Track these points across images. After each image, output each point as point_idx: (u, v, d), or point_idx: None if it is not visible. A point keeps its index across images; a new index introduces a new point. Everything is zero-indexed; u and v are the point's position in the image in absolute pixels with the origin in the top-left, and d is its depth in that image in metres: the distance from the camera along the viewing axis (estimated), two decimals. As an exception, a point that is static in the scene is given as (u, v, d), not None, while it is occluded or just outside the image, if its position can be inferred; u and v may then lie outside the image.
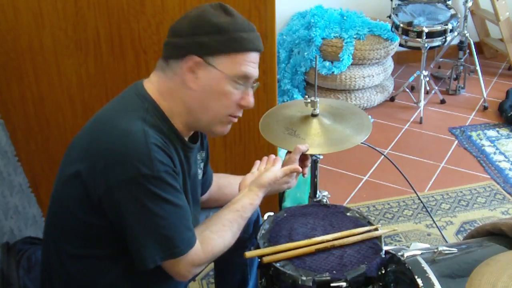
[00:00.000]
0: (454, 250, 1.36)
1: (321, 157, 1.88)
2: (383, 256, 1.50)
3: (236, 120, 1.46)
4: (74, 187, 1.35)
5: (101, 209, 1.33)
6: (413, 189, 2.17)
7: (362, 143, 1.76)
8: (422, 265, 1.29)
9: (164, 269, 1.39)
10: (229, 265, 1.82)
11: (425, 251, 1.36)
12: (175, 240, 1.34)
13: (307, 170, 1.82)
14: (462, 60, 3.81)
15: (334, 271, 1.45)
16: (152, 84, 1.42)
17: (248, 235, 1.77)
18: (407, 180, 2.13)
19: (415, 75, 3.65)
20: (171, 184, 1.33)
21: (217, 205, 1.76)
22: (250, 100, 1.43)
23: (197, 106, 1.39)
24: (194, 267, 1.41)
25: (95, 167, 1.31)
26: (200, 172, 1.64)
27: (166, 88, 1.40)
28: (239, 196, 1.56)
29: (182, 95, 1.39)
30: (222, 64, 1.36)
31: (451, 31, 3.39)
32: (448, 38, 3.43)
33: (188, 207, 1.42)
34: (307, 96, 1.82)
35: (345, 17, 3.69)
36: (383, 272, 1.45)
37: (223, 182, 1.78)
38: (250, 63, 1.38)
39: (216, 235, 1.45)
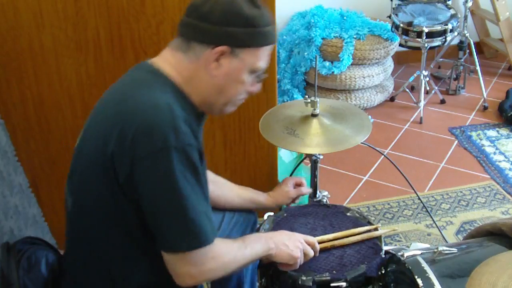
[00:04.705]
0: (454, 250, 1.36)
1: (321, 157, 1.88)
2: (383, 256, 1.50)
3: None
4: (101, 169, 1.33)
5: (130, 187, 1.31)
6: (413, 189, 2.17)
7: (362, 143, 1.76)
8: (422, 265, 1.30)
9: (171, 263, 1.33)
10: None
11: (425, 251, 1.36)
12: (201, 225, 1.31)
13: (306, 189, 1.84)
14: (462, 60, 3.80)
15: (334, 271, 1.45)
16: (170, 65, 1.41)
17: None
18: (407, 180, 2.13)
19: (415, 75, 3.65)
20: (194, 161, 1.31)
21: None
22: (260, 87, 1.50)
23: (215, 91, 1.42)
24: (210, 269, 1.34)
25: (123, 143, 1.29)
26: None
27: (186, 69, 1.40)
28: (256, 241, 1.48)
29: (202, 78, 1.40)
30: (247, 56, 1.39)
31: (451, 31, 3.39)
32: (448, 38, 3.43)
33: (208, 195, 1.41)
34: (307, 96, 1.82)
35: (345, 17, 3.68)
36: (383, 272, 1.45)
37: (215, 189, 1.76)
38: (267, 56, 1.45)
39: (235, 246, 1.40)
